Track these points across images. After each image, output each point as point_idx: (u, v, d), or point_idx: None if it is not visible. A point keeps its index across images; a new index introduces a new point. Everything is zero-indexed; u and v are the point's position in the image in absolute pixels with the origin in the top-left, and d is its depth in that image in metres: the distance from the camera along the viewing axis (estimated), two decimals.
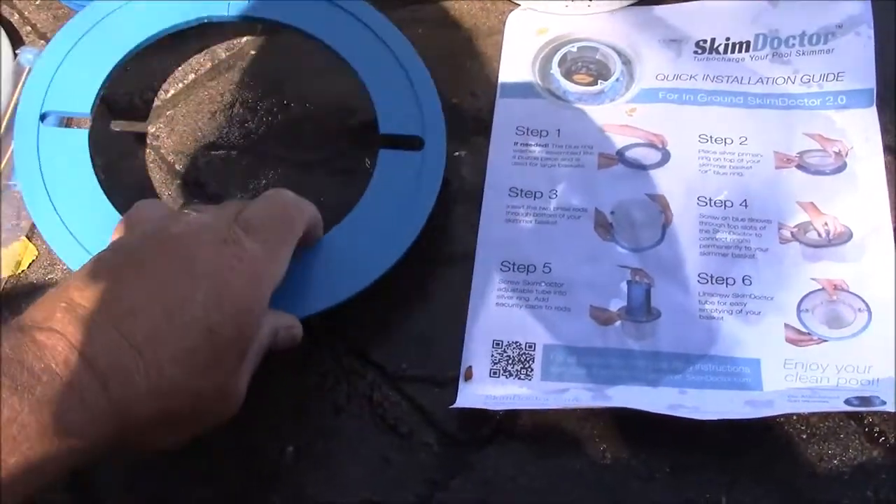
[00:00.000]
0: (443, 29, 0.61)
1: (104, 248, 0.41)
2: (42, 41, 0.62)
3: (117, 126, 0.58)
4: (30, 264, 0.53)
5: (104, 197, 0.50)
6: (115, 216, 0.49)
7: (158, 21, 0.55)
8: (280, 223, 0.43)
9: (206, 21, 0.56)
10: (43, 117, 0.52)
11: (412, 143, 0.52)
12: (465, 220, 0.52)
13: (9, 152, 0.56)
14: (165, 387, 0.36)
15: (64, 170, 0.51)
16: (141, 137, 0.58)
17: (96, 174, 0.51)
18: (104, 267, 0.38)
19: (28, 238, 0.53)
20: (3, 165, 0.56)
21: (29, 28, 0.63)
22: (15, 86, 0.58)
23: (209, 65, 0.60)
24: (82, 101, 0.53)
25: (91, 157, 0.52)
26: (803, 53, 0.57)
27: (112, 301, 0.36)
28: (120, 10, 0.55)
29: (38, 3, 0.64)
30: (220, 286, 0.39)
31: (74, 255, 0.49)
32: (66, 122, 0.54)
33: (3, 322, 0.37)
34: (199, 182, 0.56)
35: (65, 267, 0.52)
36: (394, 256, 0.48)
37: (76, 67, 0.53)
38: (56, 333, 0.35)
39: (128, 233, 0.42)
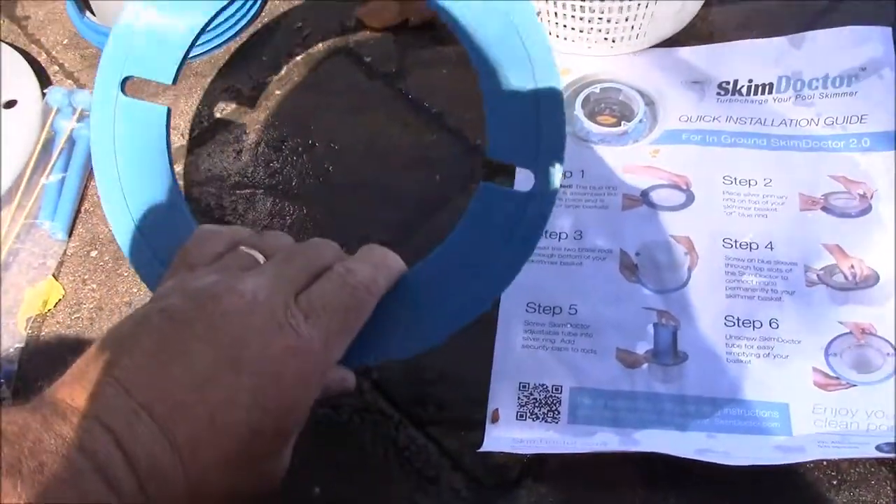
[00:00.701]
0: (467, 70, 0.61)
1: (154, 297, 0.39)
2: (69, 80, 0.63)
3: None
4: (56, 303, 0.53)
5: (176, 185, 0.47)
6: (185, 214, 0.46)
7: None
8: (346, 311, 0.40)
9: None
10: (124, 83, 0.48)
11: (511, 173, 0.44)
12: None
13: (37, 190, 0.56)
14: (204, 488, 0.35)
15: (139, 144, 0.47)
16: None
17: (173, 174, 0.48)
18: (152, 342, 0.36)
19: (55, 277, 0.54)
20: (31, 204, 0.56)
21: (56, 67, 0.64)
22: (42, 126, 0.59)
23: (234, 104, 0.61)
24: (165, 69, 0.48)
25: (167, 135, 0.48)
26: (826, 96, 0.57)
27: (158, 391, 0.34)
28: None
29: (65, 42, 0.65)
30: (268, 384, 0.36)
31: (132, 244, 0.46)
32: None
33: (34, 397, 0.34)
34: (224, 221, 0.56)
35: (91, 306, 0.53)
36: (474, 312, 0.43)
37: (157, 31, 0.48)
38: (99, 426, 0.33)
39: (185, 290, 0.38)
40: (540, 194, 0.43)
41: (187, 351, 0.36)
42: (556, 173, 0.43)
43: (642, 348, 0.49)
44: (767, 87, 0.58)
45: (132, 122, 0.47)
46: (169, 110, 0.48)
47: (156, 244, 0.46)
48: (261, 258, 0.41)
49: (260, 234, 0.43)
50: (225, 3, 0.50)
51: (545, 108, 0.43)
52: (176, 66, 0.48)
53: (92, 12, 0.62)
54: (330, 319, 0.39)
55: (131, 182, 0.47)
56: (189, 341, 0.36)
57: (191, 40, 0.48)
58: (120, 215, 0.47)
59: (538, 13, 0.58)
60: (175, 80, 0.48)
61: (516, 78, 0.43)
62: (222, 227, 0.44)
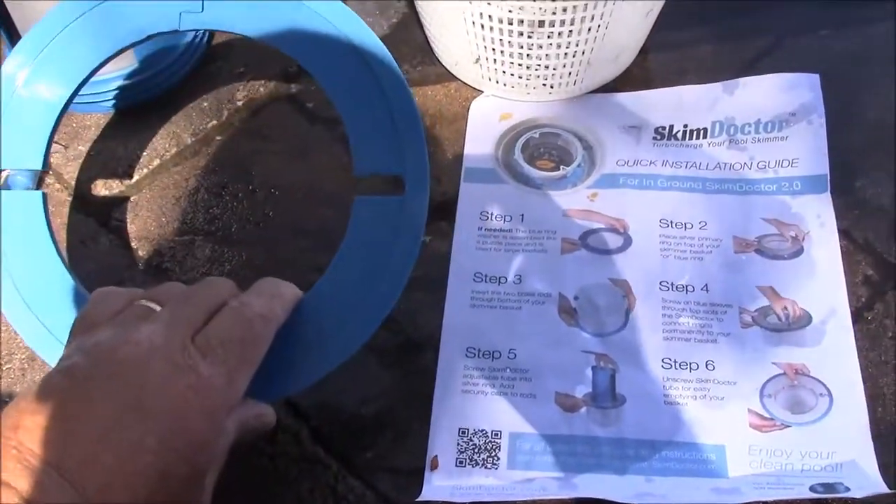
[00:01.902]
0: None
1: (57, 363, 0.39)
2: None
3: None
4: None
5: (62, 265, 0.48)
6: (72, 285, 0.47)
7: (101, 49, 0.50)
8: (243, 343, 0.40)
9: (157, 34, 0.51)
10: None
11: (391, 186, 0.46)
12: (430, 307, 0.52)
13: None
14: None
15: (22, 235, 0.48)
16: (104, 222, 0.57)
17: (58, 251, 0.49)
18: (54, 401, 0.36)
19: None
20: None
21: None
22: None
23: (174, 150, 0.61)
24: (33, 155, 0.49)
25: (47, 221, 0.49)
26: (759, 140, 0.58)
27: (63, 450, 0.35)
28: (55, 45, 0.50)
29: None
30: (173, 424, 0.37)
31: (33, 331, 0.47)
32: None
33: None
34: (163, 268, 0.55)
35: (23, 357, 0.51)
36: (376, 320, 0.44)
37: (18, 119, 0.49)
38: (10, 489, 0.33)
39: (83, 349, 0.39)
40: (412, 194, 0.45)
41: (89, 405, 0.36)
42: (424, 171, 0.45)
43: (581, 392, 0.49)
44: (702, 132, 0.59)
45: (10, 213, 0.48)
46: (44, 195, 0.49)
47: (51, 322, 0.47)
48: (156, 307, 0.41)
49: (155, 287, 0.44)
50: (91, 71, 0.50)
51: (399, 115, 0.46)
52: (43, 153, 0.49)
53: None
54: (228, 354, 0.39)
55: (18, 270, 0.48)
56: (90, 395, 0.37)
57: (55, 120, 0.49)
58: (11, 300, 0.48)
59: (477, 59, 0.59)
60: (45, 166, 0.49)
61: (368, 96, 0.46)
62: (118, 288, 0.45)
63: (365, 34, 0.48)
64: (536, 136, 0.60)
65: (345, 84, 0.47)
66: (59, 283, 0.48)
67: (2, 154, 0.49)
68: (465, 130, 0.61)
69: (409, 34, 0.67)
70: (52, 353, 0.47)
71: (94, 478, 0.34)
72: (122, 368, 0.37)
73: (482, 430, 0.48)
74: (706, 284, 0.53)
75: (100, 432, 0.35)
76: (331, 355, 0.44)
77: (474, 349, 0.51)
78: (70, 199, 0.58)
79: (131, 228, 0.57)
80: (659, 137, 0.59)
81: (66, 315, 0.47)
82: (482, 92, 0.62)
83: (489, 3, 0.54)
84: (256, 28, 0.48)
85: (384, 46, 0.48)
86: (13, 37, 0.58)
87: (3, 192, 0.49)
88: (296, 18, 0.48)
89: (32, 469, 0.34)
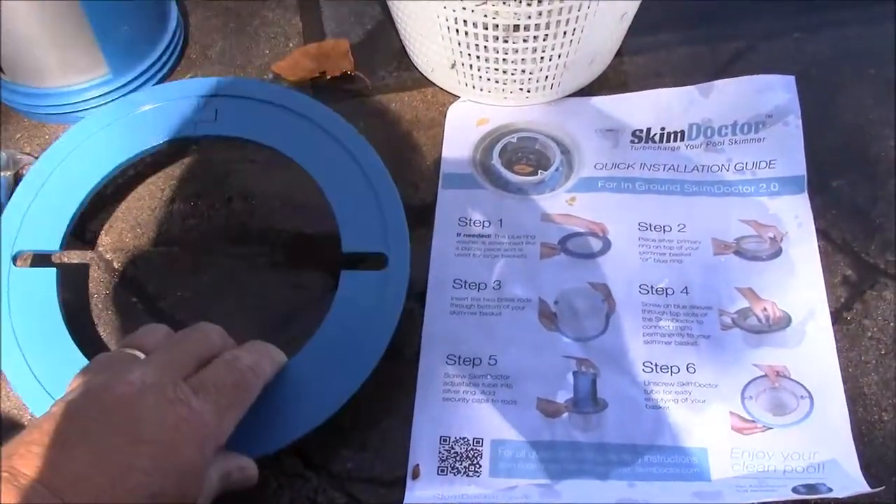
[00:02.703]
0: (385, 121, 0.62)
1: (54, 403, 0.39)
2: None
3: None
4: None
5: (69, 338, 0.50)
6: (79, 356, 0.49)
7: (125, 150, 0.54)
8: (234, 389, 0.42)
9: (171, 142, 0.55)
10: (15, 258, 0.52)
11: (375, 261, 0.50)
12: (409, 314, 0.52)
13: None
14: None
15: (32, 308, 0.51)
16: (79, 234, 0.57)
17: (61, 311, 0.51)
18: (49, 431, 0.36)
19: None
20: None
21: None
22: None
23: (149, 159, 0.60)
24: (51, 239, 0.52)
25: (59, 295, 0.51)
26: (736, 142, 0.58)
27: (56, 470, 0.35)
28: (84, 146, 0.55)
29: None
30: (165, 450, 0.37)
31: (36, 398, 0.48)
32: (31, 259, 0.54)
33: None
34: (138, 281, 0.55)
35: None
36: (356, 383, 0.47)
37: (45, 206, 0.53)
38: None
39: (78, 390, 0.40)
40: (394, 271, 0.50)
41: (84, 434, 0.37)
42: (405, 250, 0.50)
43: (563, 397, 0.49)
44: (679, 135, 0.59)
45: (23, 287, 0.51)
46: (58, 272, 0.51)
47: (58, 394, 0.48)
48: (140, 355, 0.43)
49: (136, 332, 0.46)
50: (122, 162, 0.54)
51: (384, 199, 0.51)
52: (62, 235, 0.52)
53: (1, 69, 0.61)
54: (220, 394, 0.41)
55: (28, 340, 0.50)
56: (85, 425, 0.37)
57: (78, 206, 0.53)
58: (19, 371, 0.49)
59: (453, 64, 0.59)
60: (62, 247, 0.52)
61: (353, 181, 0.52)
62: (119, 352, 0.45)
63: (355, 138, 0.54)
64: (514, 140, 0.60)
65: (335, 175, 0.52)
66: (66, 355, 0.49)
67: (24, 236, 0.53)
68: (443, 136, 0.60)
69: (385, 40, 0.67)
70: None
71: (85, 496, 0.35)
72: (117, 402, 0.38)
73: (464, 438, 0.48)
74: (686, 287, 0.53)
75: (92, 457, 0.36)
76: (312, 415, 0.46)
77: (455, 356, 0.51)
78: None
79: (105, 240, 0.57)
80: (636, 140, 0.59)
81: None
82: (459, 97, 0.62)
83: (464, 8, 0.53)
84: (258, 134, 0.54)
85: (368, 143, 0.54)
86: None
87: (20, 269, 0.52)
88: (294, 125, 0.54)
89: (22, 487, 0.34)
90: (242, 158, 0.60)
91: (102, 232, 0.57)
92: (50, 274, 0.51)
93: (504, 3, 0.52)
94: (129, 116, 0.55)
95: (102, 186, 0.54)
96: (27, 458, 0.35)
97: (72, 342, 0.50)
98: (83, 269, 0.56)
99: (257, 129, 0.54)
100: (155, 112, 0.55)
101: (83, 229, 0.57)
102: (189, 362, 0.42)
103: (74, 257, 0.56)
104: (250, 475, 0.44)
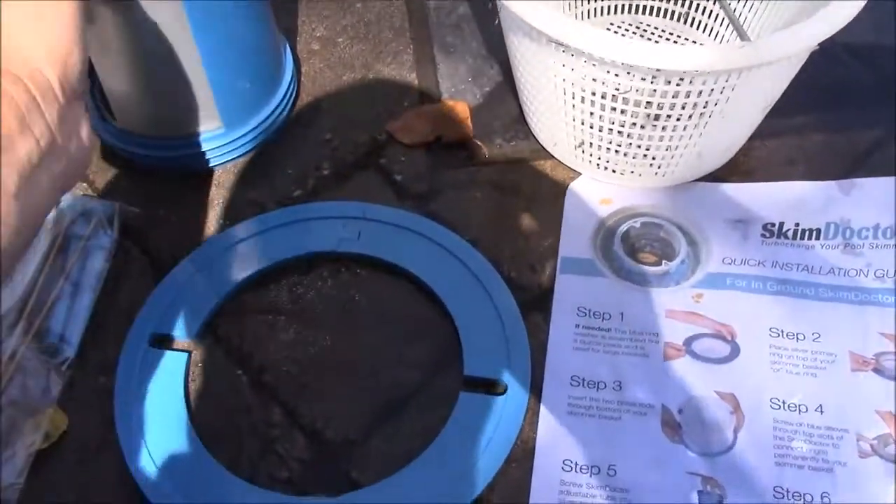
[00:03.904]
0: (501, 193, 0.59)
1: None
2: (83, 183, 0.60)
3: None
4: (60, 436, 0.49)
5: (188, 423, 0.50)
6: (198, 445, 0.49)
7: (268, 255, 0.56)
8: None
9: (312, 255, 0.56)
10: (151, 337, 0.53)
11: (494, 386, 0.50)
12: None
13: (46, 305, 0.53)
14: None
15: (159, 387, 0.51)
16: None
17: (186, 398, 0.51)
18: None
19: (61, 408, 0.50)
20: (39, 321, 0.53)
21: None
22: (56, 233, 0.56)
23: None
24: (189, 327, 0.53)
25: (185, 380, 0.51)
26: (877, 247, 0.55)
27: None
28: (239, 245, 0.57)
29: None
30: None
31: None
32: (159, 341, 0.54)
33: None
34: (239, 349, 0.53)
35: (97, 443, 0.49)
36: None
37: (189, 296, 0.54)
38: None
39: None
40: (512, 400, 0.50)
41: None
42: (526, 378, 0.50)
43: None
44: (815, 233, 0.56)
45: (154, 367, 0.52)
46: (189, 355, 0.52)
47: (175, 481, 0.48)
48: None
49: None
50: (253, 272, 0.55)
51: (509, 327, 0.52)
52: (198, 326, 0.53)
53: (112, 116, 0.59)
54: None
55: (151, 424, 0.50)
56: None
57: (218, 301, 0.54)
58: (139, 456, 0.49)
59: (580, 143, 0.56)
60: (196, 336, 0.53)
61: (481, 307, 0.53)
62: None
63: (482, 263, 0.55)
64: (637, 225, 0.57)
65: (464, 299, 0.53)
66: (186, 443, 0.49)
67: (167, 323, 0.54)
68: (562, 214, 0.58)
69: (502, 104, 0.64)
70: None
71: None
72: None
73: None
74: (820, 405, 0.49)
75: None
76: None
77: (571, 462, 0.48)
78: (148, 263, 0.56)
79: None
80: (768, 235, 0.56)
81: (192, 478, 0.48)
82: (580, 174, 0.60)
83: (604, 96, 0.51)
84: (392, 254, 0.55)
85: (501, 279, 0.54)
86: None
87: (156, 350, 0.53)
88: (427, 249, 0.56)
89: None
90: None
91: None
92: (181, 358, 0.52)
93: (645, 80, 0.49)
94: (274, 231, 0.57)
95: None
96: None
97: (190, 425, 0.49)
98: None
99: (386, 250, 0.56)
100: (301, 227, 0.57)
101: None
102: None
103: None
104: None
